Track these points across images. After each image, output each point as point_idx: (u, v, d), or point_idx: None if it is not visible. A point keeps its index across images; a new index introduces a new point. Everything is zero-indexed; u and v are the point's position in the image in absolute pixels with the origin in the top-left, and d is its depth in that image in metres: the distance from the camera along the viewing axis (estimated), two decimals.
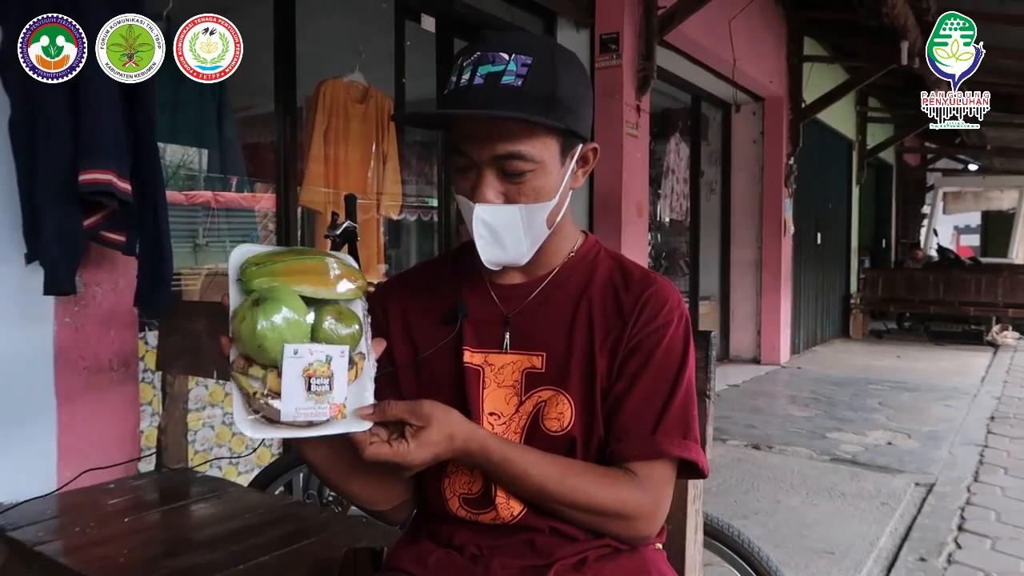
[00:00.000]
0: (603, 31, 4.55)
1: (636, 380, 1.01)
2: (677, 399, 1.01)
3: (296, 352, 0.84)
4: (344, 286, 0.93)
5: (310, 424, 0.86)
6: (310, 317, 0.88)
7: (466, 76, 0.96)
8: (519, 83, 0.94)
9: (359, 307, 0.96)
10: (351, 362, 0.90)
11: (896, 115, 10.36)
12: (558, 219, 1.04)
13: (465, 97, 0.95)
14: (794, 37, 7.16)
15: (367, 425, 0.91)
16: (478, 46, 0.98)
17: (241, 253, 0.93)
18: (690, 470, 1.04)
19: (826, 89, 7.35)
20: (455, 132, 0.99)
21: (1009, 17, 5.33)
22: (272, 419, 0.84)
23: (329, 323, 0.89)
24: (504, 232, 0.99)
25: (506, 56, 0.95)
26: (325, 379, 0.85)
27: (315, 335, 0.88)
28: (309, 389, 0.84)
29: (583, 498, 0.98)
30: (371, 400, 0.93)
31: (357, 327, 0.92)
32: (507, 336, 1.05)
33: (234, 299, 0.90)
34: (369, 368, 0.94)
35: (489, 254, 1.00)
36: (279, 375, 0.84)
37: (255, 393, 0.85)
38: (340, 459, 1.01)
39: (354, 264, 0.97)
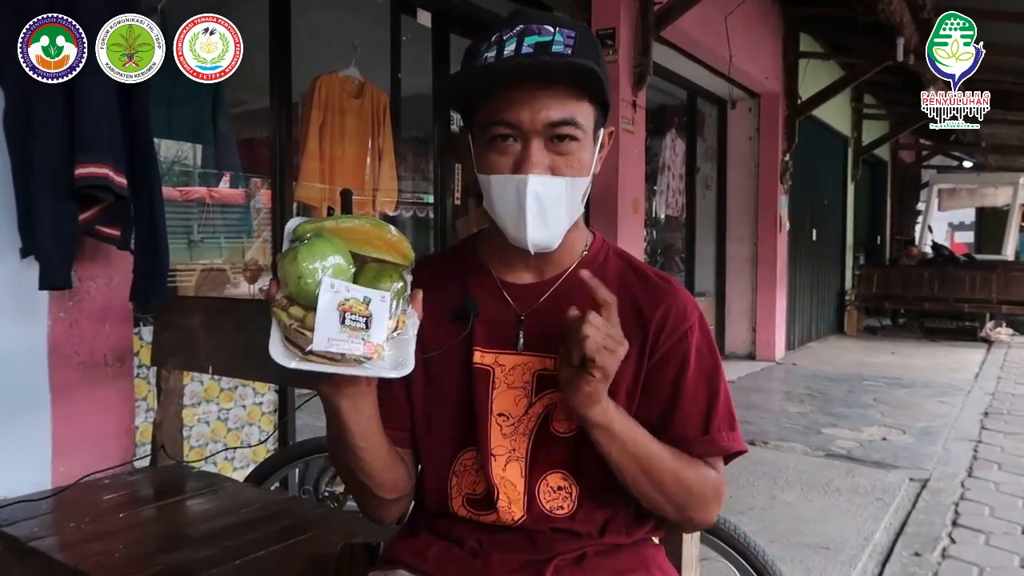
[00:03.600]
0: (599, 27, 4.54)
1: (679, 390, 1.01)
2: (720, 396, 1.03)
3: (333, 286, 0.84)
4: (390, 248, 0.94)
5: (343, 358, 0.84)
6: (349, 269, 0.89)
7: (511, 47, 0.94)
8: (569, 52, 0.94)
9: (404, 274, 0.95)
10: (392, 314, 0.88)
11: (891, 112, 10.39)
12: (584, 200, 1.03)
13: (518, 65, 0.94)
14: (790, 33, 7.16)
15: (407, 370, 0.89)
16: (519, 20, 0.97)
17: (297, 219, 0.94)
18: (729, 456, 1.06)
19: (822, 86, 7.35)
20: (500, 101, 0.96)
21: (1005, 14, 5.33)
22: (303, 347, 0.84)
23: (369, 275, 0.90)
24: (550, 206, 0.97)
25: (551, 29, 0.96)
26: (361, 317, 0.84)
27: (356, 282, 0.89)
28: (343, 323, 0.83)
29: (686, 476, 1.00)
30: (411, 357, 0.90)
31: (400, 285, 0.91)
32: (521, 336, 1.04)
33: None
34: (412, 327, 0.93)
35: (536, 233, 0.97)
36: (314, 312, 0.83)
37: (291, 325, 0.85)
38: (369, 428, 0.98)
39: (402, 237, 0.96)
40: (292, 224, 0.93)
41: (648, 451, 0.97)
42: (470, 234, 1.14)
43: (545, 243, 0.99)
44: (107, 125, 1.81)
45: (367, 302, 0.85)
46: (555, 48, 0.94)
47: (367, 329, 0.84)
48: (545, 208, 0.96)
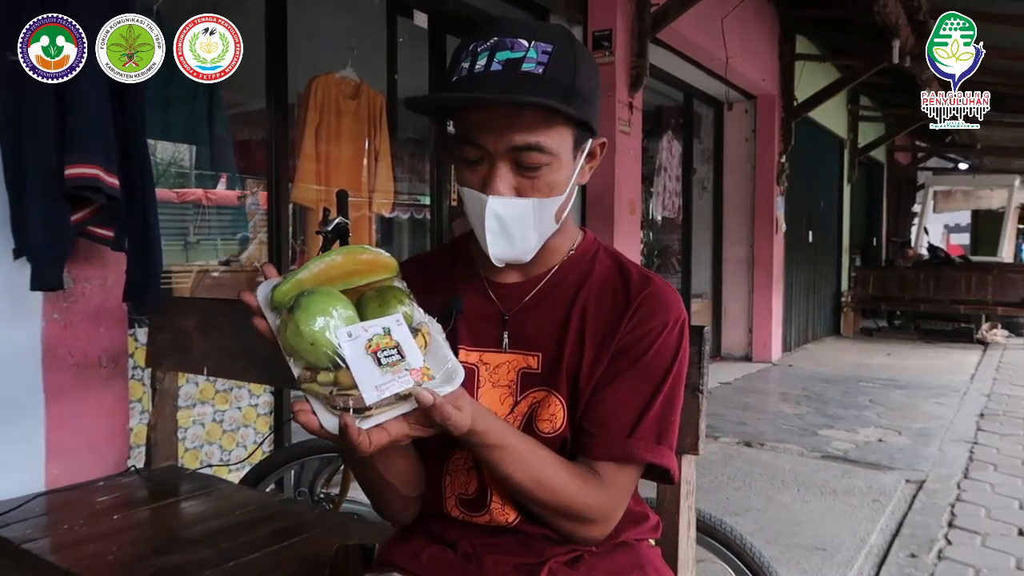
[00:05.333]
0: (596, 28, 4.54)
1: (618, 379, 0.98)
2: (657, 404, 0.98)
3: (351, 334, 0.79)
4: (372, 268, 0.90)
5: (399, 398, 0.80)
6: (351, 311, 0.84)
7: (481, 62, 0.92)
8: (540, 71, 0.91)
9: (398, 284, 0.92)
10: (414, 331, 0.84)
11: (887, 114, 10.41)
12: (564, 215, 1.01)
13: (483, 84, 0.91)
14: (786, 35, 7.18)
15: (461, 378, 0.85)
16: (494, 31, 0.94)
17: (265, 284, 0.88)
18: (659, 474, 1.02)
19: (818, 87, 7.37)
20: (468, 121, 0.94)
21: (1000, 16, 5.35)
22: (359, 408, 0.79)
23: (374, 305, 0.86)
24: (514, 226, 0.95)
25: (525, 43, 0.92)
26: (392, 349, 0.80)
27: (364, 319, 0.84)
28: (380, 364, 0.79)
29: (561, 500, 0.95)
30: (456, 363, 0.87)
31: (406, 300, 0.88)
32: (505, 335, 1.03)
33: (272, 322, 0.85)
34: (437, 333, 0.89)
35: (497, 249, 0.96)
36: (347, 368, 0.79)
37: (331, 393, 0.80)
38: (411, 448, 0.96)
39: (376, 249, 0.93)
40: (264, 291, 0.87)
41: (515, 469, 0.93)
42: (464, 233, 1.13)
43: (511, 258, 0.99)
44: (99, 125, 1.80)
45: (388, 332, 0.81)
46: (525, 66, 0.90)
47: (404, 359, 0.80)
48: (508, 228, 0.95)
